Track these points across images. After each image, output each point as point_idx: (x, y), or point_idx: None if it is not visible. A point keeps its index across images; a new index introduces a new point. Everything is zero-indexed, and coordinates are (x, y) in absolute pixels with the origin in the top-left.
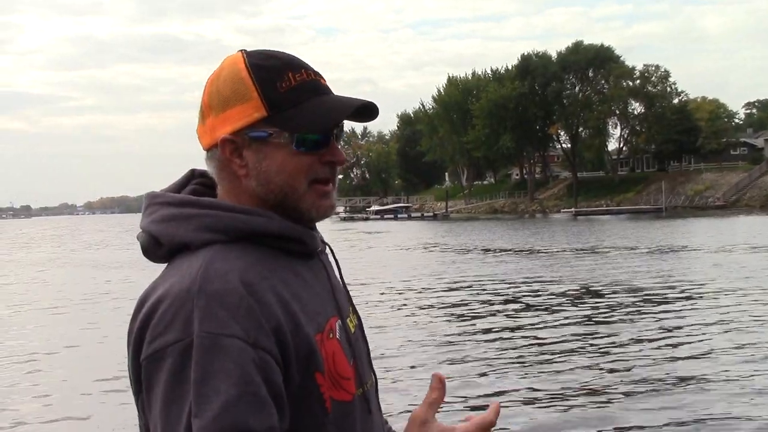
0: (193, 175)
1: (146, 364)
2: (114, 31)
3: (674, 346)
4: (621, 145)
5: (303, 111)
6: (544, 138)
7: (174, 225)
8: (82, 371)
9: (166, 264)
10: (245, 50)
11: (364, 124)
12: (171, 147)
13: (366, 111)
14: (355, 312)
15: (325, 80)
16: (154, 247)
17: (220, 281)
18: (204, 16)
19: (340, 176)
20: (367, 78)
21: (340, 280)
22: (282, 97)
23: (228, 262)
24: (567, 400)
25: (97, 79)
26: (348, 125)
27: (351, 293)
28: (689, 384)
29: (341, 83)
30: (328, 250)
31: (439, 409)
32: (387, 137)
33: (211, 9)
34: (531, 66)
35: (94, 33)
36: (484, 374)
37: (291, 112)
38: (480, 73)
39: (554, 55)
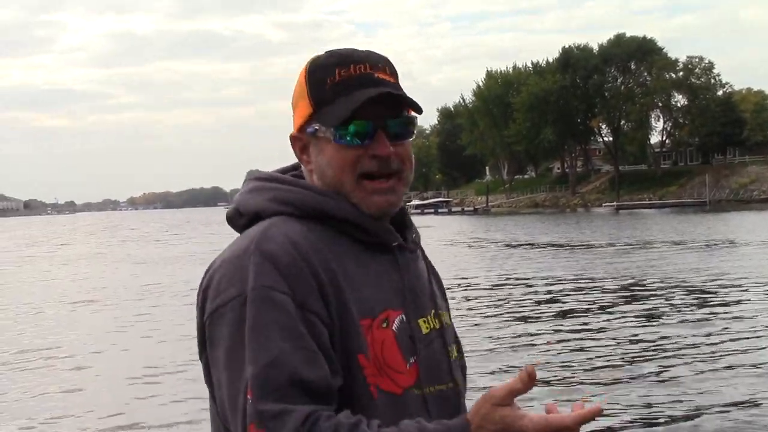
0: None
1: (209, 321)
2: (153, 27)
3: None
4: (664, 137)
5: (339, 104)
6: (585, 131)
7: (254, 195)
8: (122, 366)
9: None
10: (329, 50)
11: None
12: (211, 143)
13: (401, 102)
14: (438, 317)
15: (386, 73)
16: (236, 217)
17: (275, 243)
18: (243, 11)
19: None
20: (407, 72)
21: (428, 281)
22: (326, 93)
23: (288, 229)
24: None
25: (138, 76)
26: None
27: None
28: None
29: None
30: (420, 252)
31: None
32: (427, 132)
33: (250, 4)
34: (572, 59)
35: (134, 30)
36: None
37: (330, 106)
38: (520, 66)
39: (596, 47)
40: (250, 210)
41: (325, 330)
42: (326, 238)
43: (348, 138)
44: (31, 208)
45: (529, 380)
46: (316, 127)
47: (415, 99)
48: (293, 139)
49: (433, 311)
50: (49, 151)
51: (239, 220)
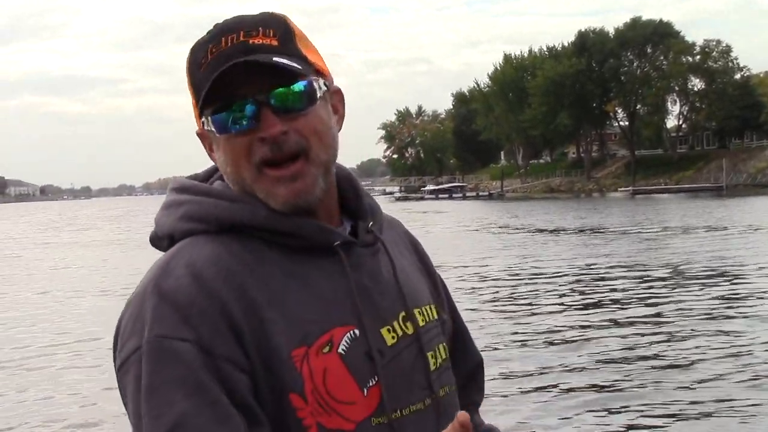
0: None
1: (118, 376)
2: (169, 11)
3: None
4: (680, 122)
5: (198, 90)
6: (601, 116)
7: (167, 213)
8: None
9: None
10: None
11: (429, 106)
12: None
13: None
14: (410, 318)
15: (266, 36)
16: (157, 238)
17: (174, 278)
18: None
19: (395, 155)
20: (423, 57)
21: (393, 276)
22: (200, 79)
23: (195, 254)
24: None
25: (154, 61)
26: (402, 104)
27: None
28: None
29: (395, 62)
30: (381, 245)
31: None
32: (442, 116)
33: None
34: (588, 43)
35: (150, 14)
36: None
37: (200, 94)
38: (536, 50)
39: (612, 31)
40: (164, 233)
41: (243, 376)
42: (246, 255)
43: (229, 125)
44: (47, 193)
45: (462, 429)
46: (203, 120)
47: (426, 84)
48: (200, 137)
49: (402, 313)
50: (65, 137)
51: (161, 243)
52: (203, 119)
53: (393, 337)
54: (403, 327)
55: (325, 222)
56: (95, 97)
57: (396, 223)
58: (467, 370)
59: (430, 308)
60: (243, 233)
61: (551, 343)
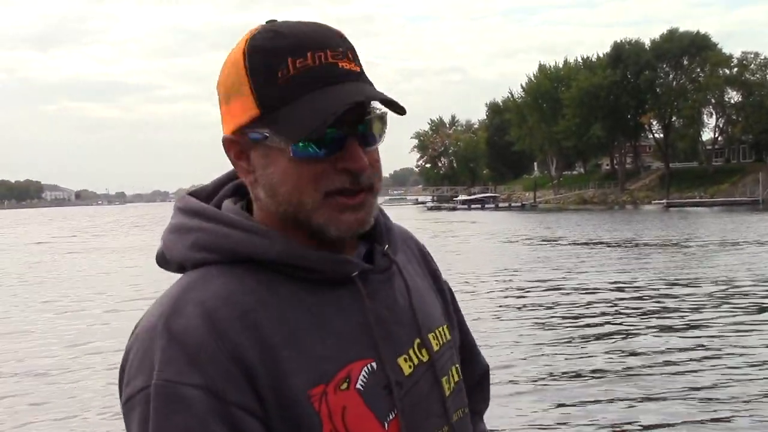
0: None
1: (124, 410)
2: (206, 20)
3: None
4: (716, 135)
5: (297, 110)
6: (635, 127)
7: (175, 239)
8: None
9: None
10: (264, 24)
11: (398, 116)
12: None
13: (386, 104)
14: (425, 345)
15: (349, 59)
16: (163, 261)
17: (185, 317)
18: (295, 3)
19: (428, 165)
20: (457, 66)
21: (407, 301)
22: (277, 91)
23: (207, 291)
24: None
25: (190, 68)
26: (436, 113)
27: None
28: None
29: (430, 72)
30: (395, 268)
31: None
32: (475, 126)
33: None
34: (623, 54)
35: (187, 22)
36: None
37: (284, 111)
38: (571, 61)
39: (648, 43)
40: (174, 259)
41: (255, 422)
42: (260, 289)
43: (311, 150)
44: (82, 198)
45: None
46: (266, 134)
47: (460, 93)
48: (227, 142)
49: (417, 340)
50: (101, 142)
51: (169, 265)
52: (264, 132)
53: (410, 366)
54: (419, 355)
55: (348, 247)
56: (131, 103)
57: (406, 235)
58: (474, 379)
59: (443, 330)
60: (256, 264)
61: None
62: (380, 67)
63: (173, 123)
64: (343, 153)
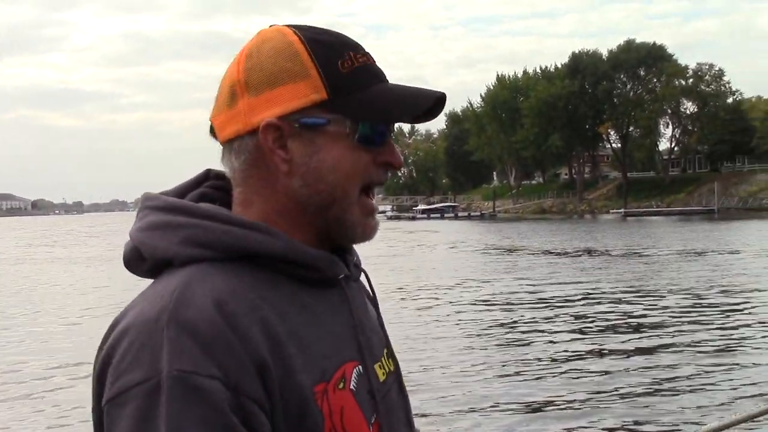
0: (208, 176)
1: (108, 409)
2: (165, 28)
3: None
4: (672, 145)
5: (370, 96)
6: (593, 137)
7: (158, 235)
8: None
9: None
10: (288, 24)
11: (423, 124)
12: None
13: (436, 105)
14: (392, 356)
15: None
16: (136, 260)
17: (195, 308)
18: (253, 12)
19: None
20: (418, 76)
21: (374, 314)
22: (344, 79)
23: (209, 285)
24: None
25: (149, 76)
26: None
27: (388, 309)
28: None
29: (391, 80)
30: (363, 277)
31: None
32: (435, 136)
33: (264, 6)
34: (581, 64)
35: (146, 30)
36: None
37: (355, 96)
38: (530, 71)
39: (605, 53)
40: (157, 255)
41: (264, 418)
42: (259, 285)
43: (373, 138)
44: (39, 207)
45: None
46: (329, 118)
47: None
48: (269, 128)
49: (386, 350)
50: (58, 151)
51: (142, 264)
52: (327, 116)
53: (383, 374)
54: (388, 364)
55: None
56: (89, 111)
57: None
58: None
59: (393, 354)
60: (252, 262)
61: (547, 371)
62: None
63: (132, 132)
64: (385, 147)
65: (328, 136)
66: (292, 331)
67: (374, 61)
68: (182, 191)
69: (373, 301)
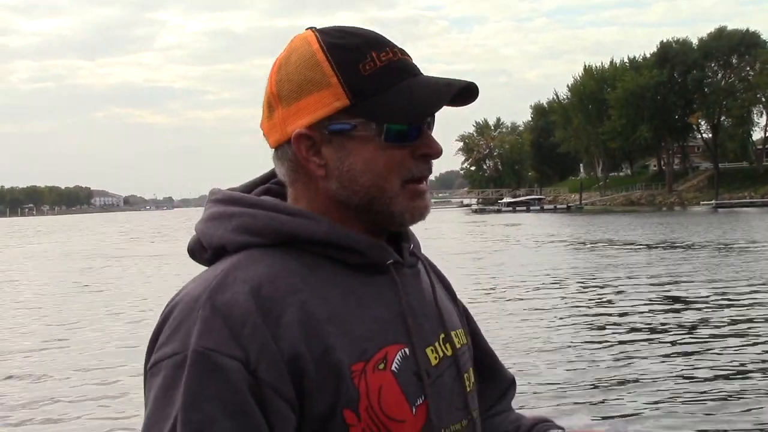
0: (275, 173)
1: (147, 374)
2: (250, 25)
3: None
4: (766, 134)
5: (393, 96)
6: (683, 128)
7: (215, 224)
8: None
9: None
10: (316, 27)
11: (463, 107)
12: None
13: (466, 93)
14: (449, 340)
15: (411, 59)
16: (199, 250)
17: (231, 292)
18: (339, 8)
19: (473, 167)
20: (502, 69)
21: (434, 299)
22: (366, 82)
23: (253, 270)
24: None
25: (234, 73)
26: (481, 115)
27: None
28: None
29: (475, 74)
30: (421, 265)
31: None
32: (520, 128)
33: (350, 1)
34: (670, 54)
35: (231, 27)
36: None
37: (378, 98)
38: (617, 62)
39: (695, 42)
40: (213, 244)
41: (284, 405)
42: (303, 270)
43: (401, 137)
44: (131, 203)
45: None
46: (354, 123)
47: (504, 96)
48: (300, 138)
49: (442, 335)
50: (148, 148)
51: (203, 254)
52: (353, 121)
53: (435, 358)
54: (444, 348)
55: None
56: (177, 108)
57: (418, 243)
58: (501, 390)
59: (463, 333)
60: (296, 248)
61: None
62: (424, 71)
63: (218, 128)
64: (421, 140)
65: (357, 140)
66: (333, 313)
67: (402, 56)
68: (250, 187)
69: (445, 284)
